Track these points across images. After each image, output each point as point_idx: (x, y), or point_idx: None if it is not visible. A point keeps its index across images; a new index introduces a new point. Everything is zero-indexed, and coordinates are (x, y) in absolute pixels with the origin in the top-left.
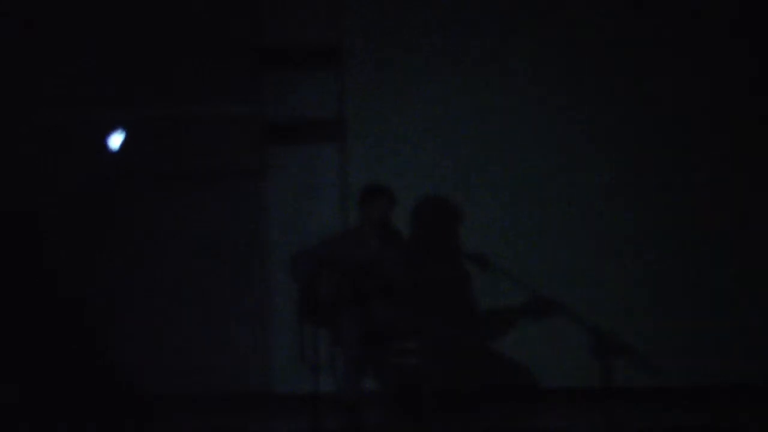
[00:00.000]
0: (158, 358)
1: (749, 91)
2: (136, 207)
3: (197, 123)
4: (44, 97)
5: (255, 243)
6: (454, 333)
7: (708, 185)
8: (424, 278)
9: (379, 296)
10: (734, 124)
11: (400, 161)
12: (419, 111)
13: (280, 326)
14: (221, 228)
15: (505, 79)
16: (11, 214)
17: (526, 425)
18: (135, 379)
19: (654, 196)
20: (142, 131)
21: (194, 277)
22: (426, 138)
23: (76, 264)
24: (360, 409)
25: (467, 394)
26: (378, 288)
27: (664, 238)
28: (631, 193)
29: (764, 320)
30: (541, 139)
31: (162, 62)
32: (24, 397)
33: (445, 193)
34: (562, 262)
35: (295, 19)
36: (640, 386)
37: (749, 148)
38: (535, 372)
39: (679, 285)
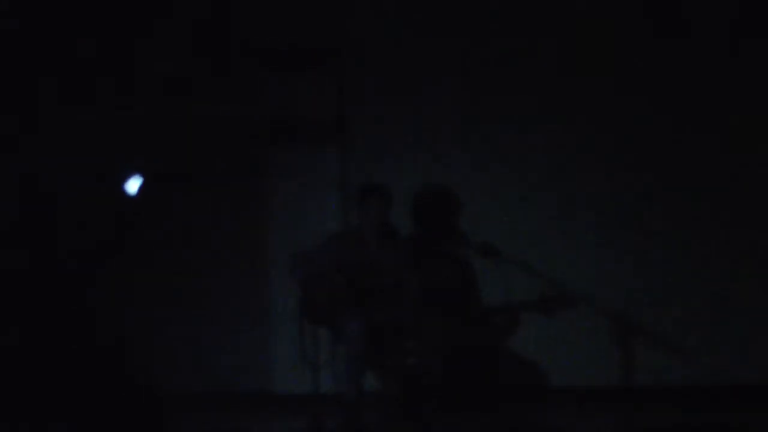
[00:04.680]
0: (158, 358)
1: (753, 90)
2: (136, 207)
3: (197, 123)
4: (44, 98)
5: (255, 243)
6: (456, 332)
7: (709, 183)
8: (424, 276)
9: (379, 296)
10: (739, 123)
11: (400, 161)
12: (419, 111)
13: (280, 326)
14: (221, 228)
15: (505, 78)
16: (16, 214)
17: (527, 425)
18: (134, 379)
19: (656, 195)
20: (142, 131)
21: (194, 277)
22: (426, 138)
23: (74, 264)
24: (360, 409)
25: (467, 394)
26: (378, 288)
27: (666, 237)
28: (634, 190)
29: (765, 320)
30: (541, 137)
31: (162, 62)
32: (25, 396)
33: (442, 185)
34: (563, 264)
35: (295, 19)
36: (641, 386)
37: (755, 146)
38: (536, 371)
39: (680, 284)
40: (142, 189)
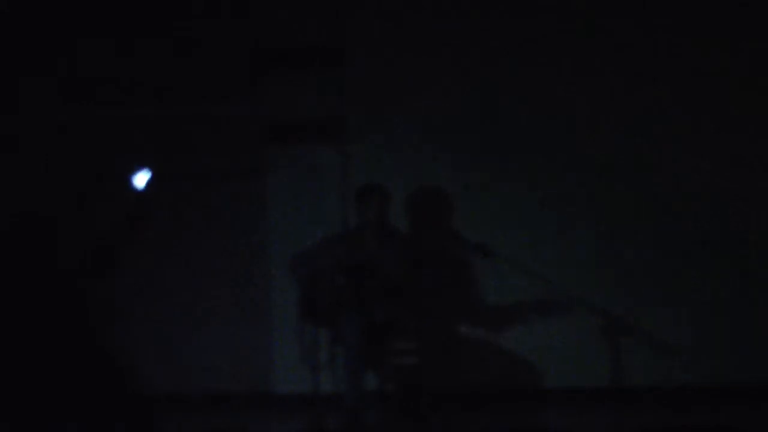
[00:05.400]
0: (158, 358)
1: (753, 90)
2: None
3: (197, 123)
4: (45, 98)
5: (255, 243)
6: (455, 331)
7: (710, 182)
8: (424, 275)
9: (379, 296)
10: (739, 123)
11: (400, 161)
12: (419, 111)
13: (280, 326)
14: (221, 228)
15: (505, 78)
16: (14, 214)
17: (526, 425)
18: (135, 379)
19: (655, 192)
20: (142, 131)
21: (194, 277)
22: (426, 138)
23: (73, 264)
24: (360, 409)
25: (467, 394)
26: (378, 288)
27: (665, 236)
28: (631, 189)
29: (765, 320)
30: (541, 137)
31: (162, 62)
32: (22, 395)
33: (435, 184)
34: (558, 264)
35: (295, 19)
36: (640, 386)
37: (753, 148)
38: (536, 371)
39: (679, 284)
40: (150, 184)
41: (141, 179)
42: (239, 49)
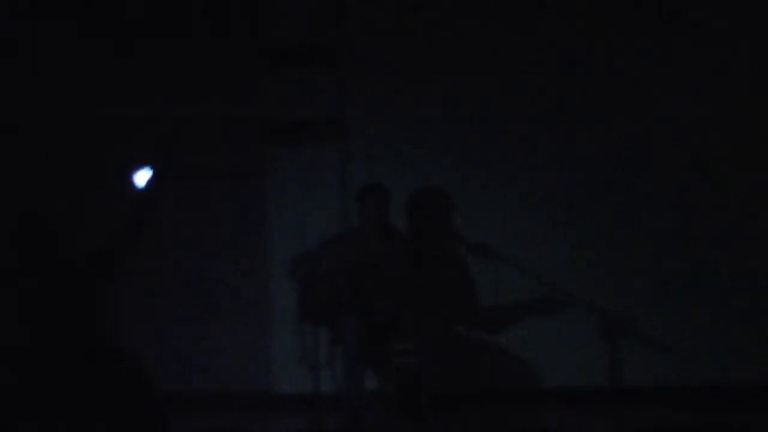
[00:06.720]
0: (158, 358)
1: (752, 92)
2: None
3: (197, 123)
4: (45, 98)
5: (255, 243)
6: (455, 331)
7: (711, 183)
8: (424, 275)
9: (379, 296)
10: (738, 123)
11: (401, 161)
12: (419, 111)
13: (280, 326)
14: (221, 228)
15: (505, 78)
16: (19, 213)
17: (526, 425)
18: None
19: (655, 192)
20: (143, 131)
21: (194, 277)
22: (426, 138)
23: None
24: (360, 409)
25: (467, 394)
26: (378, 288)
27: (665, 236)
28: (631, 189)
29: (765, 320)
30: (542, 137)
31: (162, 62)
32: (21, 393)
33: (435, 184)
34: (557, 265)
35: (295, 19)
36: (640, 386)
37: (753, 145)
38: (536, 371)
39: (679, 284)
40: (151, 182)
41: (142, 177)
42: (239, 49)
